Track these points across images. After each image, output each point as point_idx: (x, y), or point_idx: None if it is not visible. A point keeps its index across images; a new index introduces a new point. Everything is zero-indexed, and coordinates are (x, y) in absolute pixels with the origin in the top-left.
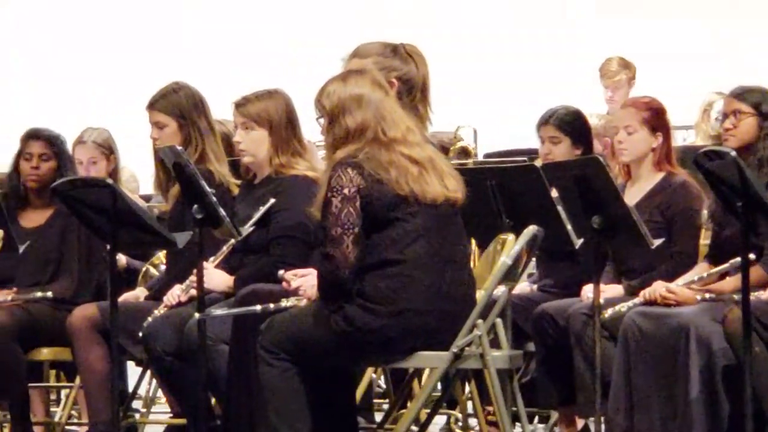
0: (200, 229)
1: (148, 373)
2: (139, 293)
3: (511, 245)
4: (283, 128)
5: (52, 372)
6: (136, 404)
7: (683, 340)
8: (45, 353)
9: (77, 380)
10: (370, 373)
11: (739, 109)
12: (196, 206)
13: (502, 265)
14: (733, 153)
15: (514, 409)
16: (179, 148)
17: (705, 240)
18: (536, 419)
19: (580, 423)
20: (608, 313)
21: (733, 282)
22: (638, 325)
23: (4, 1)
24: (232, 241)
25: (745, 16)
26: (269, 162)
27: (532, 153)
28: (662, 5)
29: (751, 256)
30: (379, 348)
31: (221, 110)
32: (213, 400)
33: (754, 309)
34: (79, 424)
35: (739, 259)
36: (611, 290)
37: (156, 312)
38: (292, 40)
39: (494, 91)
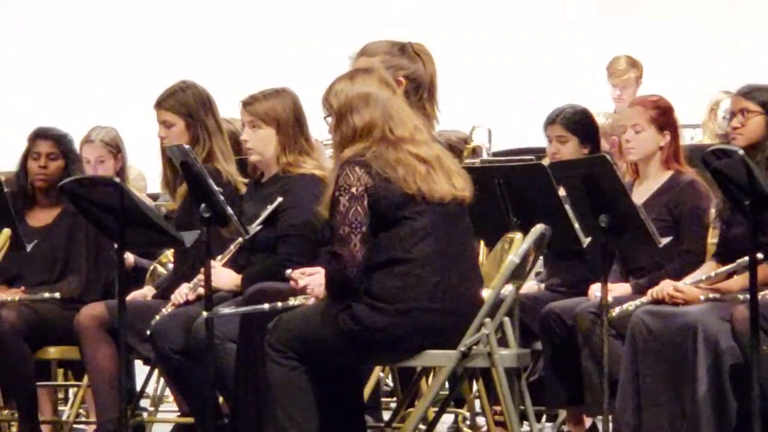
0: (208, 227)
1: (156, 371)
2: (147, 292)
3: (518, 244)
4: (291, 127)
5: (60, 371)
6: (144, 403)
7: (691, 339)
8: (53, 352)
9: (85, 379)
10: (377, 371)
11: (746, 107)
12: (203, 205)
13: (509, 264)
14: (741, 151)
15: (522, 407)
16: (187, 146)
17: (713, 239)
18: (544, 418)
19: (587, 422)
20: (616, 311)
21: (740, 281)
22: (646, 323)
23: (4, 1)
24: (240, 239)
25: (745, 16)
26: (277, 161)
27: (539, 152)
28: (662, 5)
29: (759, 255)
30: (387, 347)
31: (221, 110)
32: (221, 399)
33: (762, 308)
34: (87, 423)
35: (746, 258)
36: (619, 289)
37: (164, 310)
38: (292, 40)
39: (494, 92)
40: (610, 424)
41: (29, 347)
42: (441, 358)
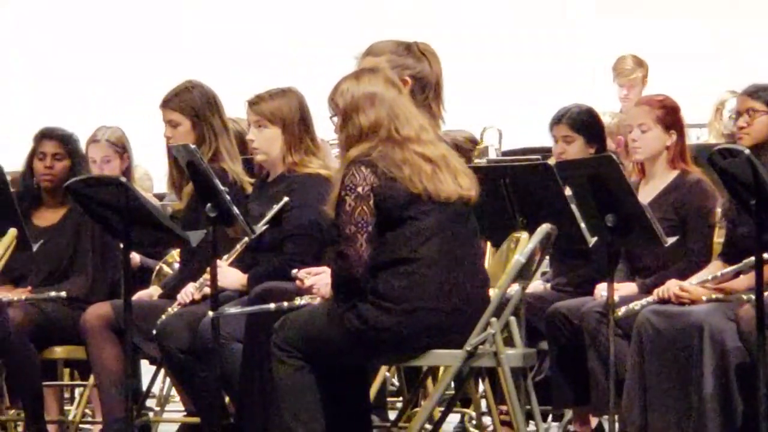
0: (214, 227)
1: (162, 371)
2: (153, 292)
3: (524, 244)
4: (296, 126)
5: (66, 370)
6: (150, 403)
7: (697, 339)
8: (59, 352)
9: (91, 379)
10: (383, 371)
11: (752, 107)
12: (209, 205)
13: (515, 264)
14: (747, 151)
15: (528, 407)
16: (193, 146)
17: (719, 238)
18: (550, 418)
19: (594, 421)
20: (621, 311)
21: (746, 280)
22: (652, 323)
23: (5, 1)
24: (246, 239)
25: (745, 15)
26: (282, 160)
27: (546, 152)
28: (662, 5)
29: (766, 254)
30: (393, 346)
31: (225, 109)
32: (227, 399)
33: None
34: (93, 423)
35: (753, 258)
36: (624, 288)
37: (170, 310)
38: (292, 40)
39: (494, 92)
40: (617, 424)
41: (35, 347)
42: (447, 358)
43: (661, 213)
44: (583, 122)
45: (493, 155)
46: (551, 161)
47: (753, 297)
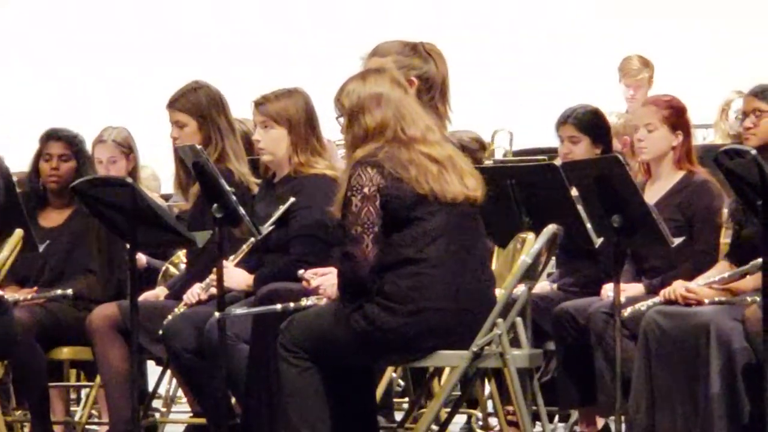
0: (220, 228)
1: (168, 372)
2: (159, 292)
3: (530, 244)
4: (303, 127)
5: (73, 371)
6: (157, 403)
7: (703, 339)
8: (65, 352)
9: (97, 379)
10: (390, 372)
11: (759, 107)
12: (215, 205)
13: (522, 264)
14: (754, 152)
15: (535, 408)
16: (199, 147)
17: (725, 239)
18: (556, 418)
19: (600, 422)
20: (628, 312)
21: (753, 281)
22: (658, 323)
23: (5, 1)
24: (252, 239)
25: (746, 15)
26: (288, 161)
27: (552, 152)
28: (663, 5)
29: None
30: (399, 347)
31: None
32: (233, 399)
33: None
34: (99, 424)
35: (760, 260)
36: (631, 289)
37: (176, 310)
38: (299, 41)
39: (494, 92)
40: (623, 425)
41: (42, 347)
42: (453, 359)
43: (668, 213)
44: (589, 122)
45: (497, 155)
46: (557, 162)
47: (759, 298)
